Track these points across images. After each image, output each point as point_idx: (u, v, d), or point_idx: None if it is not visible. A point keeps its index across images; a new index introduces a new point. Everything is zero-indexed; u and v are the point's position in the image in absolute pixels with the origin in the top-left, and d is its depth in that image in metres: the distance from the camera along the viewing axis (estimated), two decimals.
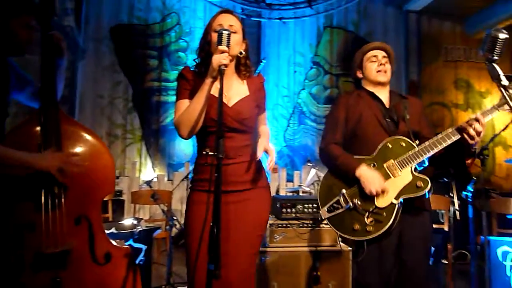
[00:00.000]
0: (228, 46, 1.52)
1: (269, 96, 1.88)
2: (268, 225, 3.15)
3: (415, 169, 1.91)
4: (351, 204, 1.92)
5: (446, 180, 5.14)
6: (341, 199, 1.96)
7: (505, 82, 1.25)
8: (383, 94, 2.13)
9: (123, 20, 6.45)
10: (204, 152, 1.42)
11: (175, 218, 3.41)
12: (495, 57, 1.31)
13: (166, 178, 6.18)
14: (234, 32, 1.64)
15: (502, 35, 1.28)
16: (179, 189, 5.51)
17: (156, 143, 6.44)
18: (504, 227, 3.80)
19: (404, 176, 1.90)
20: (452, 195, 4.84)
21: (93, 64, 6.26)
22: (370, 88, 2.14)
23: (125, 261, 1.79)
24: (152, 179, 5.95)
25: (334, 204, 1.99)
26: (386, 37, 7.18)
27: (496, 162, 7.28)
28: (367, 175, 1.90)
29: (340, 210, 1.96)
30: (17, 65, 1.80)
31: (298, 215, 3.12)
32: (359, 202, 1.92)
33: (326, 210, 2.01)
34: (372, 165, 1.97)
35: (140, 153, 6.38)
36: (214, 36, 1.63)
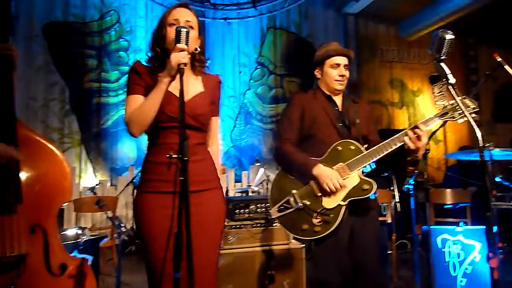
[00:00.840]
0: (187, 44, 1.46)
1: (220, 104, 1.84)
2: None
3: (362, 172, 1.98)
4: (301, 205, 1.97)
5: (387, 174, 5.45)
6: (291, 199, 2.00)
7: (452, 80, 1.33)
8: (337, 97, 2.20)
9: (57, 17, 6.05)
10: (168, 155, 1.35)
11: (122, 225, 3.26)
12: (442, 57, 1.39)
13: (109, 184, 5.90)
14: (192, 28, 1.59)
15: (449, 36, 1.37)
16: (124, 194, 5.28)
17: (97, 147, 6.12)
18: (441, 216, 4.09)
19: (351, 179, 1.96)
20: (393, 189, 5.12)
21: (25, 64, 5.80)
22: (326, 90, 2.19)
23: (80, 273, 1.73)
24: (93, 187, 5.64)
25: (285, 204, 2.03)
26: (327, 38, 7.42)
27: (428, 156, 7.81)
28: (326, 172, 1.95)
29: (290, 210, 2.01)
30: None
31: (251, 215, 3.12)
32: (308, 203, 1.97)
33: (276, 209, 2.05)
34: None
35: (79, 158, 6.02)
36: (170, 31, 1.56)
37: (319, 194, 1.97)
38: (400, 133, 1.91)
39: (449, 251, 3.36)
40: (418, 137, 1.84)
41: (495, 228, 2.66)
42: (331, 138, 2.04)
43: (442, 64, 1.39)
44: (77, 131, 6.05)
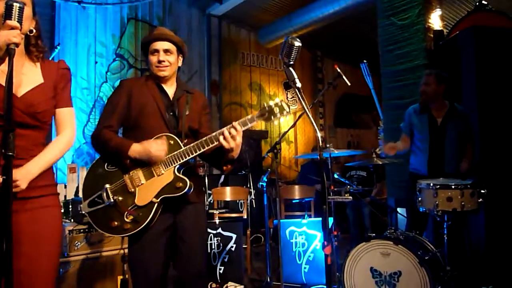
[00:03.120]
0: (20, 21, 1.25)
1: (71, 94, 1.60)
2: (67, 231, 2.82)
3: (178, 169, 1.95)
4: (112, 200, 1.89)
5: (244, 172, 5.73)
6: (104, 194, 1.91)
7: (298, 84, 1.45)
8: (170, 85, 2.12)
9: None
10: None
11: None
12: (291, 62, 1.51)
13: None
14: (25, 4, 1.36)
15: (297, 43, 1.49)
16: None
17: None
18: (291, 210, 4.46)
19: (166, 176, 1.92)
20: (249, 186, 5.38)
21: None
22: (156, 79, 2.08)
23: None
24: None
25: (96, 199, 1.93)
26: (191, 36, 7.42)
27: (282, 155, 8.50)
28: (142, 147, 1.89)
29: (102, 205, 1.91)
30: None
31: None
32: (120, 199, 1.91)
33: (87, 204, 1.94)
34: None
35: None
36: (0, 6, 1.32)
37: (132, 190, 1.91)
38: (218, 131, 1.93)
39: (296, 242, 3.70)
40: (233, 137, 1.88)
41: (331, 219, 3.03)
42: (158, 129, 1.97)
43: (291, 69, 1.50)
44: None
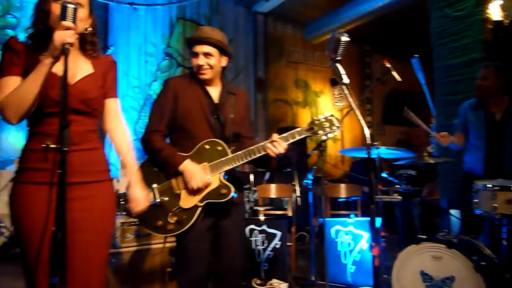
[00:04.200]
0: (74, 22, 1.31)
1: (118, 86, 1.68)
2: (119, 224, 2.95)
3: (224, 175, 1.99)
4: (159, 201, 1.94)
5: (289, 170, 5.69)
6: (151, 193, 1.95)
7: (346, 80, 1.41)
8: (214, 87, 2.11)
9: None
10: (44, 145, 1.20)
11: (3, 225, 2.89)
12: (338, 57, 1.47)
13: None
14: (81, 5, 1.43)
15: (344, 38, 1.45)
16: (7, 190, 4.70)
17: None
18: (337, 209, 4.39)
19: (212, 181, 1.96)
20: (294, 184, 5.35)
21: None
22: (200, 80, 2.08)
23: None
24: None
25: None
26: (237, 34, 7.48)
27: (328, 153, 8.36)
28: (192, 169, 1.93)
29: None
30: None
31: None
32: (166, 199, 1.95)
33: None
34: None
35: None
36: (55, 7, 1.39)
37: (178, 192, 1.95)
38: (263, 142, 1.95)
39: (341, 241, 3.62)
40: (281, 147, 1.92)
41: (379, 220, 2.94)
42: (203, 134, 2.00)
43: (338, 65, 1.46)
44: None
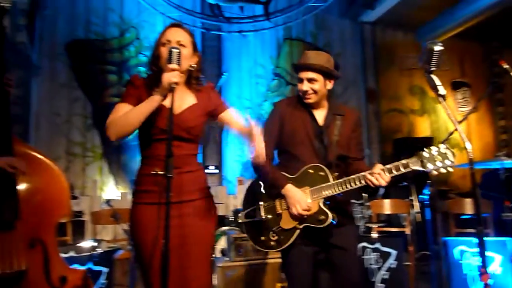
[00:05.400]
0: (178, 64, 1.51)
1: (226, 100, 1.85)
2: (232, 239, 3.14)
3: (326, 201, 1.99)
4: (263, 217, 2.02)
5: (406, 184, 5.33)
6: (257, 210, 2.04)
7: (442, 92, 1.31)
8: (320, 109, 2.14)
9: (79, 35, 6.29)
10: (153, 172, 1.40)
11: None
12: (432, 68, 1.37)
13: (130, 196, 6.02)
14: (184, 46, 1.63)
15: (437, 48, 1.35)
16: None
17: (117, 160, 6.28)
18: (463, 226, 3.95)
19: (311, 205, 1.98)
20: (412, 199, 5.00)
21: (48, 81, 6.05)
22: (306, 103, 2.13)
23: (81, 285, 1.78)
24: (109, 199, 5.76)
25: (251, 212, 2.08)
26: (343, 47, 7.41)
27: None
28: (294, 195, 1.97)
29: (254, 219, 2.06)
30: None
31: None
32: (269, 217, 2.02)
33: (244, 215, 2.11)
34: None
35: (101, 171, 6.19)
36: (164, 51, 1.62)
37: (280, 212, 2.01)
38: (364, 172, 1.92)
39: (468, 263, 3.25)
40: (383, 179, 1.88)
41: (510, 240, 2.55)
42: (308, 157, 2.05)
43: (433, 76, 1.37)
44: (98, 145, 6.23)
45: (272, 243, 2.00)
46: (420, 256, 4.74)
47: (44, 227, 1.73)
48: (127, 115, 1.57)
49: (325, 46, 7.32)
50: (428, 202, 3.41)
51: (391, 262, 3.41)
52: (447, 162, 1.77)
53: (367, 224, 3.98)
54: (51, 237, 1.74)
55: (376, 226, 3.89)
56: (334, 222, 1.96)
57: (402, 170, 1.84)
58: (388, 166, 1.87)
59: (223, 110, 1.80)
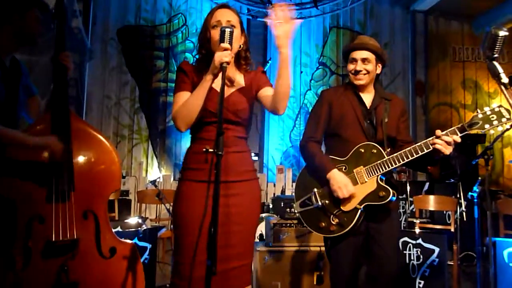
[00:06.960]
0: (230, 43, 1.52)
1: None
2: (272, 225, 3.17)
3: (381, 178, 1.97)
4: (320, 204, 2.02)
5: (453, 181, 5.13)
6: (313, 197, 2.05)
7: (505, 80, 1.24)
8: (368, 93, 2.14)
9: (130, 21, 6.51)
10: (204, 149, 1.43)
11: None
12: (495, 55, 1.30)
13: (172, 178, 6.22)
14: (234, 26, 1.64)
15: (502, 33, 1.27)
16: None
17: (162, 143, 6.49)
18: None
19: (369, 184, 1.97)
20: (459, 196, 4.81)
21: (101, 65, 6.33)
22: (354, 87, 2.14)
23: (129, 256, 1.84)
24: (157, 179, 5.99)
25: (306, 201, 2.08)
26: (393, 37, 7.16)
27: (505, 164, 7.21)
28: (337, 179, 1.97)
29: (311, 207, 2.05)
30: (27, 73, 1.88)
31: None
32: (327, 202, 2.01)
33: (299, 204, 2.11)
34: (343, 168, 2.04)
35: (146, 153, 6.43)
36: (214, 33, 1.63)
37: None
38: (425, 140, 1.86)
39: None
40: (449, 143, 1.81)
41: None
42: (357, 138, 2.03)
43: (495, 63, 1.29)
44: (145, 128, 6.46)
45: (333, 227, 1.99)
46: (464, 255, 4.57)
47: (97, 199, 1.80)
48: (187, 103, 1.60)
49: (373, 35, 7.10)
50: (476, 201, 3.26)
51: (433, 259, 3.31)
52: (503, 119, 1.74)
53: (410, 219, 3.88)
54: (103, 209, 1.81)
55: (418, 221, 3.77)
56: (393, 198, 1.94)
57: (458, 133, 1.81)
58: (444, 132, 1.83)
59: (263, 87, 1.75)
